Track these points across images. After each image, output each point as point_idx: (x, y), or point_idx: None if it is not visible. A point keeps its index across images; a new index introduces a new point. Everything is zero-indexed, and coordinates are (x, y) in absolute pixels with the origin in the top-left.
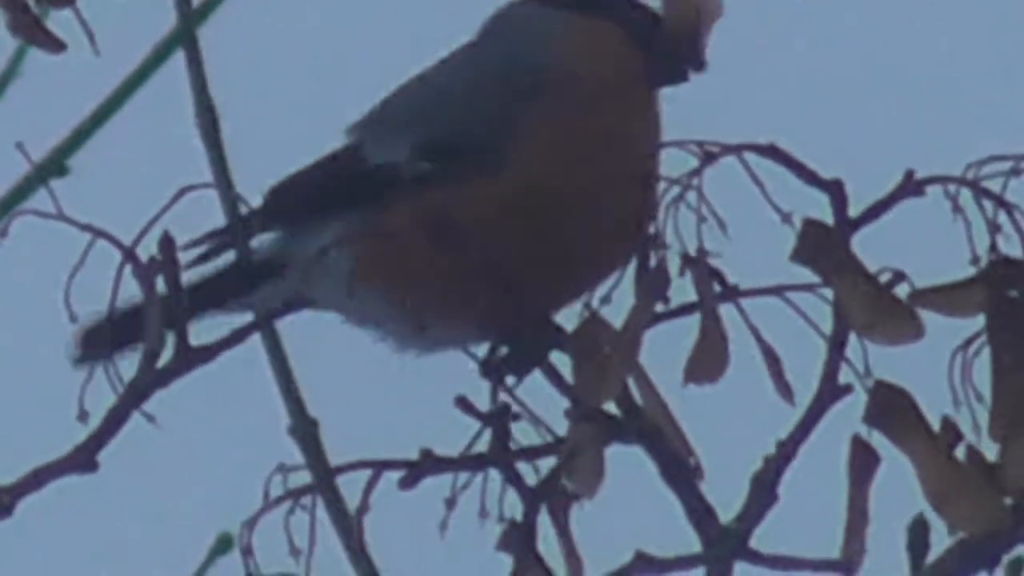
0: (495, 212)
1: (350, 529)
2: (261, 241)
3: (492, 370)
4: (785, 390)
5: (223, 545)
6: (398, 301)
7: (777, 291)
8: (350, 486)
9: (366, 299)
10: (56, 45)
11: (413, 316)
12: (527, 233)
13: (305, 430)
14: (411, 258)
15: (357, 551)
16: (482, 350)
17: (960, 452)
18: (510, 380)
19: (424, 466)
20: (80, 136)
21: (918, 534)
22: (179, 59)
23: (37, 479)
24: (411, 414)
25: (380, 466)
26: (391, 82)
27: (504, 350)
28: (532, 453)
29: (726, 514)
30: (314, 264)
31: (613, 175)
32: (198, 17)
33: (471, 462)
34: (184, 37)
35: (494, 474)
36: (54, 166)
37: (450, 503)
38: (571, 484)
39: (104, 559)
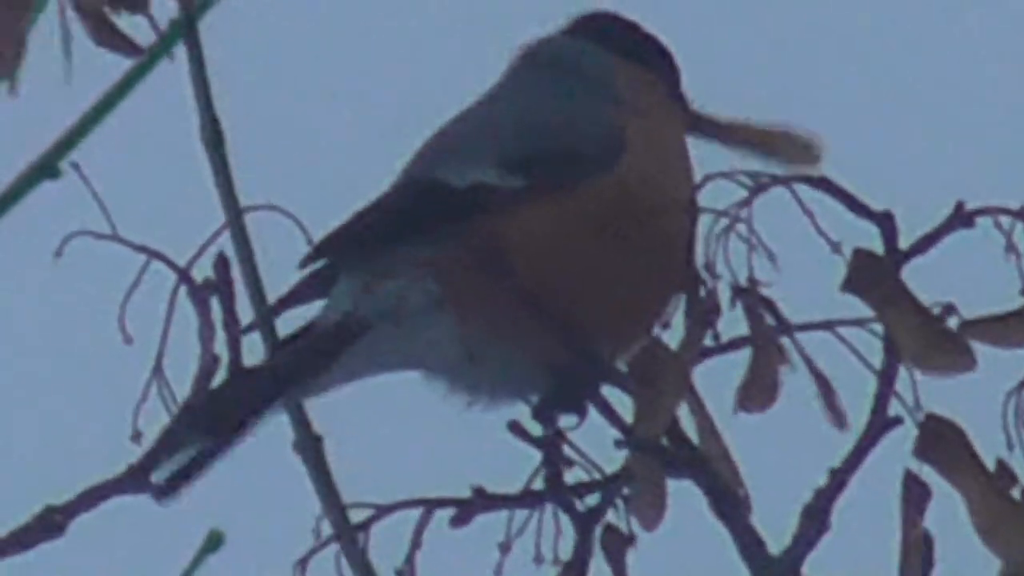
0: (597, 218)
1: (357, 557)
2: (321, 307)
3: (543, 412)
4: (838, 418)
5: (212, 543)
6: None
7: (828, 326)
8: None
9: (443, 330)
10: (133, 49)
11: (467, 343)
12: (622, 239)
13: (309, 445)
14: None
15: None
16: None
17: (1016, 494)
18: (562, 421)
19: (476, 504)
20: (73, 138)
21: None
22: (176, 63)
23: (90, 499)
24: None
25: (431, 504)
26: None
27: (553, 391)
28: (583, 488)
29: (776, 545)
30: (403, 298)
31: (680, 195)
32: (200, 12)
33: (523, 499)
34: (173, 41)
35: (547, 516)
36: (46, 168)
37: (504, 547)
38: (633, 516)
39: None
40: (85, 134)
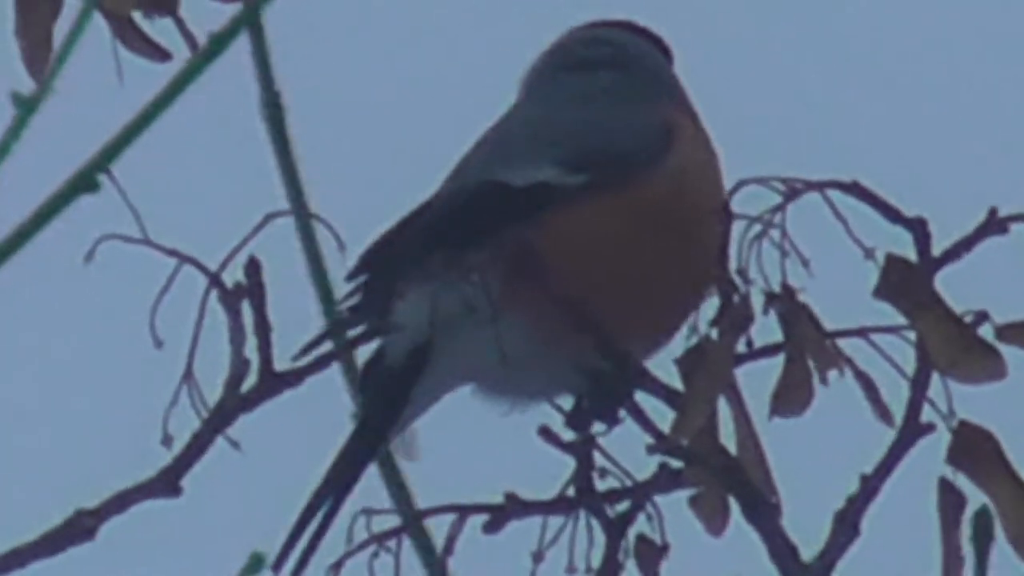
0: (649, 213)
1: (437, 570)
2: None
3: (577, 420)
4: (885, 414)
5: (255, 564)
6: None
7: (861, 333)
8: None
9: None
10: (161, 55)
11: (498, 344)
12: (664, 241)
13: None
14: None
15: None
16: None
17: None
18: (596, 429)
19: (508, 510)
20: (112, 151)
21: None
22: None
23: (121, 503)
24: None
25: (465, 510)
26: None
27: (587, 399)
28: (614, 496)
29: (808, 551)
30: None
31: (717, 198)
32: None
33: (556, 506)
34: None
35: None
36: (85, 181)
37: (537, 556)
38: (700, 521)
39: None
40: (126, 146)
